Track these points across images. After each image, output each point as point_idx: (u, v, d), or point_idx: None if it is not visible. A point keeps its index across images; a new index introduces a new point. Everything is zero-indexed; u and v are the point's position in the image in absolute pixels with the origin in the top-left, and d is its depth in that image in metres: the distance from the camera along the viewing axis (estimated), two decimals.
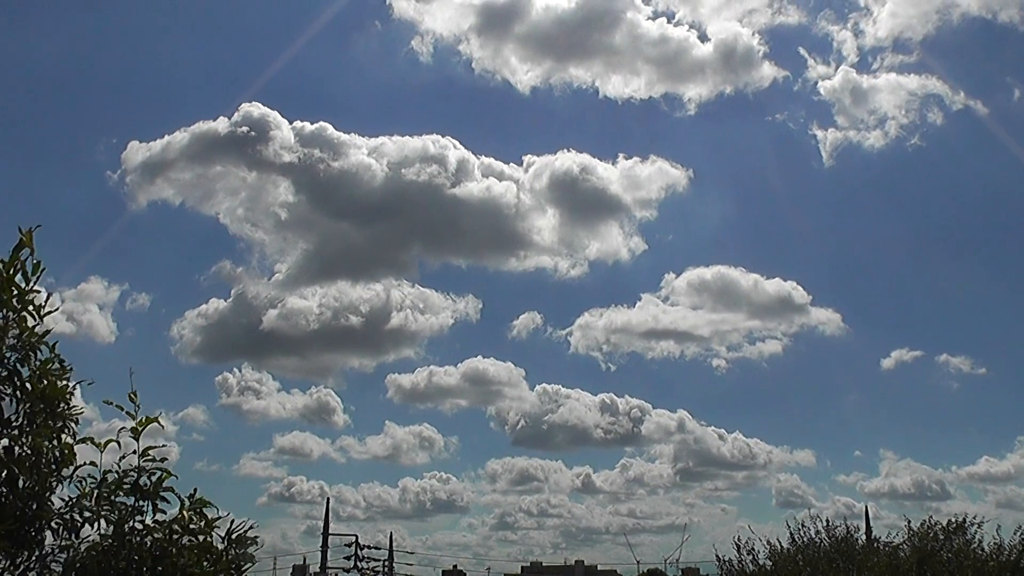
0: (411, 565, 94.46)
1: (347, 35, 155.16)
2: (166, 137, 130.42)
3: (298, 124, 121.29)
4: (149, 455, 6.61)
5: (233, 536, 6.77)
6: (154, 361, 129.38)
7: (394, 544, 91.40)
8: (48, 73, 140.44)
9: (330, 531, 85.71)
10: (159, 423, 6.67)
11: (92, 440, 6.51)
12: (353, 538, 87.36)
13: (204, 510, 6.61)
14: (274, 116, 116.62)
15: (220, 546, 6.70)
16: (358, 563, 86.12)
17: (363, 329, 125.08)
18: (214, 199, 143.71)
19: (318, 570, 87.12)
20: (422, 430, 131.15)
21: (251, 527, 6.86)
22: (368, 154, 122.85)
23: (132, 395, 6.66)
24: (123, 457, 6.59)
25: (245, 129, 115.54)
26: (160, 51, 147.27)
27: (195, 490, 6.69)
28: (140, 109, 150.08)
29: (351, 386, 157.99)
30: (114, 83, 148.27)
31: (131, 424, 6.63)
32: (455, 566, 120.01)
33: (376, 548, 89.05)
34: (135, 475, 6.55)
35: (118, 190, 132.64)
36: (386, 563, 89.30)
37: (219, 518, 6.69)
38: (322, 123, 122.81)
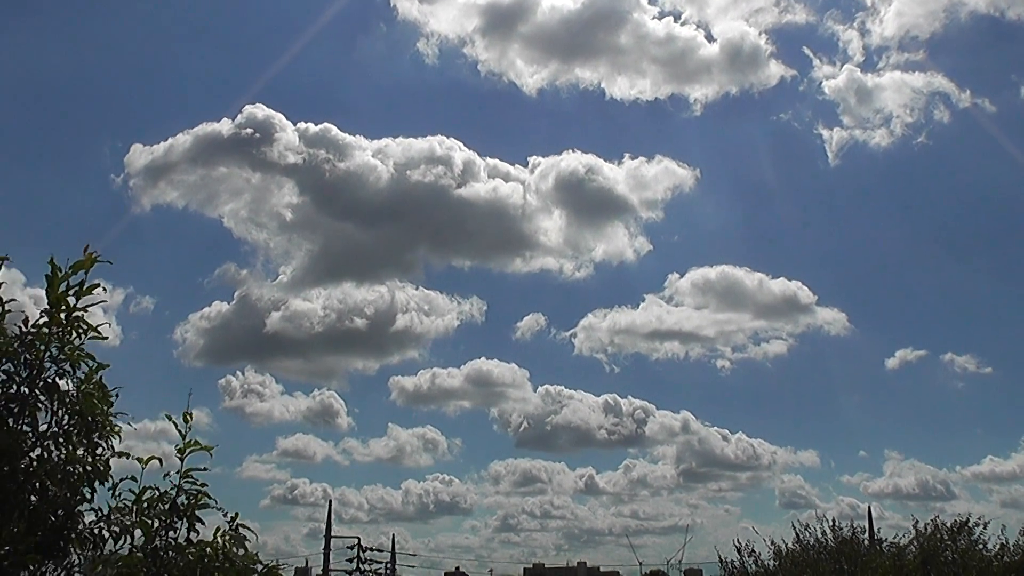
0: (413, 567, 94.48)
1: (351, 37, 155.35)
2: (169, 140, 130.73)
3: (302, 125, 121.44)
4: (191, 477, 6.66)
5: (271, 572, 6.84)
6: (158, 364, 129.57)
7: (396, 546, 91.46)
8: (51, 77, 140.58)
9: (332, 533, 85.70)
10: (209, 452, 6.74)
11: (135, 457, 6.59)
12: (355, 540, 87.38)
13: (242, 538, 6.65)
14: (278, 118, 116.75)
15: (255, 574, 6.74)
16: (360, 565, 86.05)
17: (368, 331, 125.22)
18: (218, 201, 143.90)
19: (320, 573, 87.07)
20: (425, 432, 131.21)
21: (282, 568, 6.91)
22: (373, 155, 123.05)
23: (187, 414, 6.74)
24: (165, 475, 6.66)
25: (249, 131, 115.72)
26: (163, 53, 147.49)
27: (236, 515, 6.75)
28: (143, 112, 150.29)
29: (354, 388, 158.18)
30: (117, 86, 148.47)
31: (179, 443, 6.71)
32: (457, 568, 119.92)
33: (379, 550, 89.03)
34: (174, 493, 6.60)
35: (122, 193, 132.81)
36: (388, 565, 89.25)
37: (257, 559, 6.74)
38: (327, 124, 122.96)
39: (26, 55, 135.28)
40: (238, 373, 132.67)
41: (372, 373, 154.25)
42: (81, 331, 6.20)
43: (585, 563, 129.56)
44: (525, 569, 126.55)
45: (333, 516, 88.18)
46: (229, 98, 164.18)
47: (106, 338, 6.35)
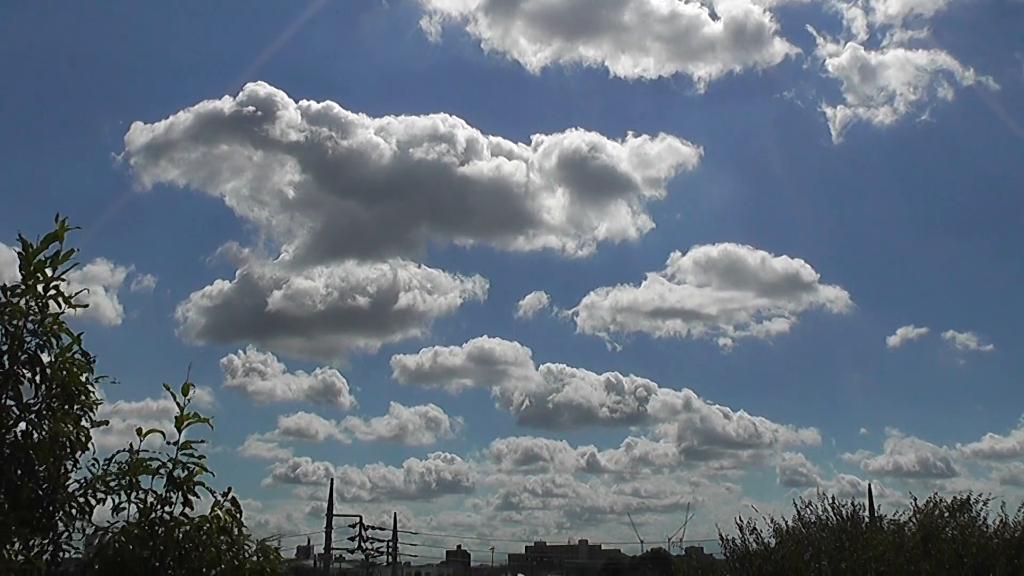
0: (415, 545, 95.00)
1: (354, 14, 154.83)
2: (170, 117, 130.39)
3: (304, 103, 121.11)
4: (189, 449, 6.60)
5: (264, 548, 6.78)
6: (159, 343, 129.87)
7: (398, 525, 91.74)
8: (51, 54, 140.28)
9: (334, 512, 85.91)
10: (209, 424, 6.68)
11: (138, 430, 6.53)
12: (357, 519, 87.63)
13: (236, 511, 6.61)
14: (280, 95, 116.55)
15: (248, 550, 6.69)
16: (362, 544, 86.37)
17: (370, 309, 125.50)
18: (219, 179, 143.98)
19: (322, 551, 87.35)
20: (427, 410, 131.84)
21: (279, 543, 6.86)
22: (376, 133, 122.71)
23: (188, 386, 6.66)
24: (168, 443, 6.60)
25: (251, 109, 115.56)
26: (163, 30, 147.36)
27: (229, 489, 6.70)
28: (143, 89, 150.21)
29: (356, 367, 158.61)
30: (117, 63, 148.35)
31: (176, 413, 6.66)
32: (459, 546, 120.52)
33: (380, 529, 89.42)
34: (171, 465, 6.54)
35: (123, 171, 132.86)
36: (390, 544, 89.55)
37: (249, 534, 6.69)
38: (329, 102, 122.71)
39: (26, 33, 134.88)
40: (240, 352, 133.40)
41: (374, 352, 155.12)
42: (60, 301, 6.12)
43: (587, 541, 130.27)
44: (527, 547, 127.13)
45: (335, 495, 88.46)
46: (230, 76, 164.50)
47: (86, 306, 6.26)
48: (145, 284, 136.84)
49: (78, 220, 6.13)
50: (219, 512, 6.60)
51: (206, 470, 6.59)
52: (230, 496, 6.69)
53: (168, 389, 6.69)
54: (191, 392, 6.69)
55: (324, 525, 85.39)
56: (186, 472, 6.55)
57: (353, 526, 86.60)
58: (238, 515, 6.66)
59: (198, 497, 6.57)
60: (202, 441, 6.66)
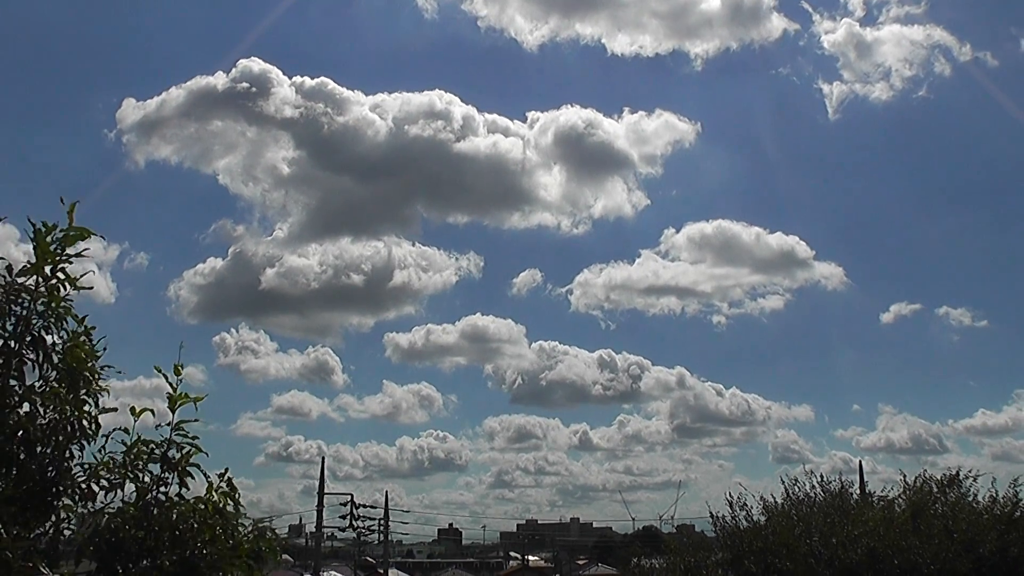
0: (407, 523, 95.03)
1: None
2: (162, 94, 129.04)
3: (298, 79, 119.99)
4: (182, 429, 6.59)
5: (261, 529, 6.78)
6: (152, 321, 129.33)
7: (391, 503, 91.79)
8: (42, 31, 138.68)
9: (326, 490, 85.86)
10: (195, 404, 6.66)
11: (127, 407, 6.52)
12: (348, 497, 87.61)
13: (234, 494, 6.62)
14: (274, 72, 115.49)
15: (243, 531, 6.69)
16: (353, 522, 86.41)
17: (364, 287, 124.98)
18: (212, 156, 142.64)
19: (314, 530, 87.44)
20: (420, 389, 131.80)
21: (274, 524, 6.85)
22: (371, 110, 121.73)
23: (178, 367, 6.65)
24: (157, 427, 6.61)
25: (244, 85, 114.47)
26: (155, 5, 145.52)
27: (226, 469, 6.71)
28: (135, 65, 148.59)
29: (350, 345, 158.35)
30: (109, 39, 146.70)
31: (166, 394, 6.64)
32: (451, 524, 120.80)
33: (372, 507, 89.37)
34: (165, 446, 6.54)
35: (115, 149, 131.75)
36: (382, 522, 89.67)
37: (245, 516, 6.68)
38: (323, 78, 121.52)
39: (17, 10, 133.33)
40: (232, 330, 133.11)
41: (367, 330, 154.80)
42: (67, 283, 6.09)
43: (578, 519, 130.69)
44: (518, 525, 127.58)
45: (327, 473, 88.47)
46: (223, 51, 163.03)
47: (91, 288, 6.24)
48: (138, 262, 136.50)
49: (71, 197, 6.14)
50: (214, 493, 6.61)
51: (200, 450, 6.60)
52: (226, 477, 6.70)
53: (160, 371, 6.68)
54: (182, 373, 6.70)
55: (316, 503, 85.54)
56: (180, 453, 6.56)
57: (345, 504, 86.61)
58: (235, 496, 6.67)
59: (193, 478, 6.59)
60: (195, 420, 6.67)
